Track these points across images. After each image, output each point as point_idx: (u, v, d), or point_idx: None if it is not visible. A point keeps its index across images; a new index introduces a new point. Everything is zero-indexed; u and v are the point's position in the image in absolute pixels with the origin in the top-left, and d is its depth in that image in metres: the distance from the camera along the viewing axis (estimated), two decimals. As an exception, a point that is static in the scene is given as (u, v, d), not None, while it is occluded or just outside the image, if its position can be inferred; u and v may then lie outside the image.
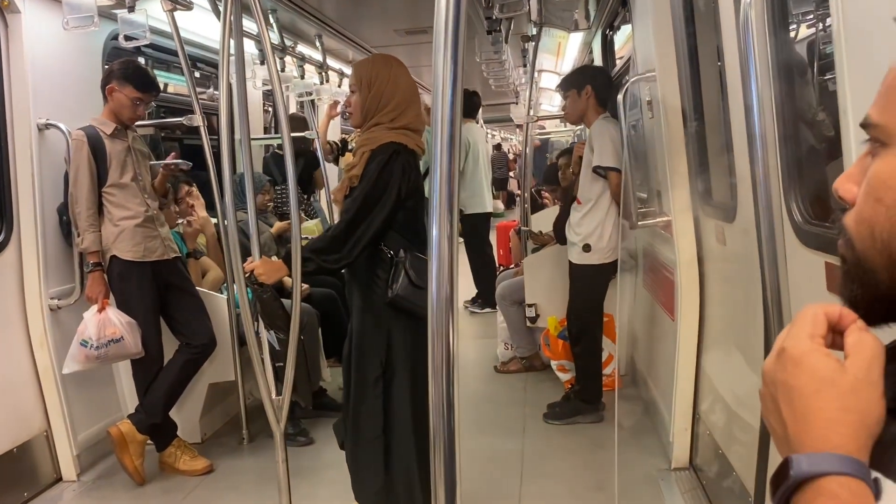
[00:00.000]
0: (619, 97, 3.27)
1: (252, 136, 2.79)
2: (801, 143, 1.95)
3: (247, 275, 2.40)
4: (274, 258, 2.58)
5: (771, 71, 1.34)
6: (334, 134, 6.51)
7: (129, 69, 3.39)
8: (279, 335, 2.47)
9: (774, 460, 2.04)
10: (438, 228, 0.98)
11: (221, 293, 3.94)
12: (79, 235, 3.34)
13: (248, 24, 3.05)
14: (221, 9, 2.39)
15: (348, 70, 6.65)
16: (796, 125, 1.94)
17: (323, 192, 6.00)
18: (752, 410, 2.41)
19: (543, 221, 5.85)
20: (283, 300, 2.75)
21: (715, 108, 2.97)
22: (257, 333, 2.43)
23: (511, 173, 15.54)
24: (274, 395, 2.39)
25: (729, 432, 2.73)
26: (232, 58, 2.52)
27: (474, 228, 6.77)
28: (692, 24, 3.02)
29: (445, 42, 0.98)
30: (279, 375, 2.44)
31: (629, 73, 4.79)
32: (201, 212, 4.17)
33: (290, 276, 2.43)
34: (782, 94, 1.82)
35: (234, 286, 3.73)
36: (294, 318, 2.37)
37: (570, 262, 3.83)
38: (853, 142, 1.45)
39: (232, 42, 2.49)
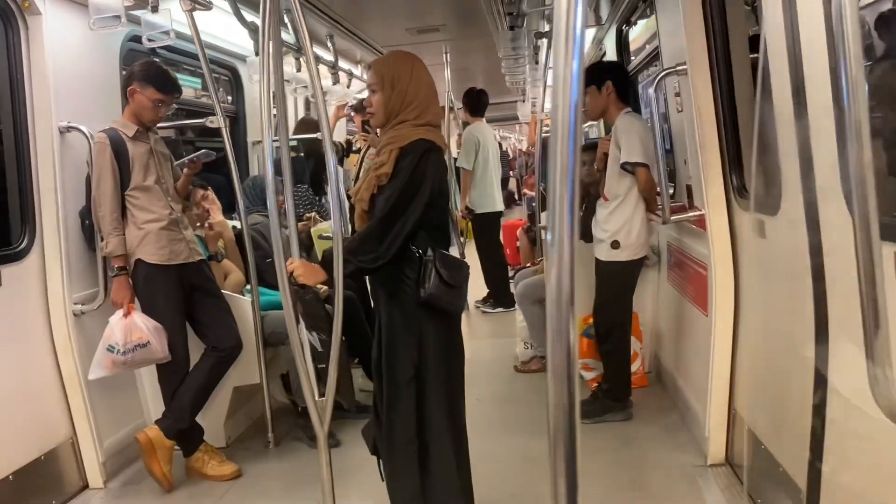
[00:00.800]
0: (651, 90, 3.24)
1: (274, 138, 2.75)
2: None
3: (287, 276, 2.36)
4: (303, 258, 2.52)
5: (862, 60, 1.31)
6: (339, 135, 6.48)
7: (151, 71, 3.35)
8: (321, 336, 2.43)
9: (828, 455, 2.01)
10: (559, 227, 0.95)
11: (244, 295, 3.90)
12: (102, 239, 3.30)
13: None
14: (260, 15, 2.34)
15: (357, 71, 6.63)
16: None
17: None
18: (799, 406, 2.38)
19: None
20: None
21: (748, 99, 2.95)
22: (299, 334, 2.39)
23: (511, 172, 15.42)
24: (317, 397, 2.35)
25: (775, 427, 2.69)
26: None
27: (484, 228, 6.74)
28: (723, 12, 3.00)
29: (567, 43, 0.94)
30: (321, 377, 2.40)
31: (648, 67, 4.79)
32: (217, 216, 4.13)
33: (329, 278, 2.38)
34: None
35: (258, 289, 3.72)
36: (336, 320, 2.33)
37: (597, 260, 3.80)
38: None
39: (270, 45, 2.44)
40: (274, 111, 2.49)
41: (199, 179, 4.08)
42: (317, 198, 5.57)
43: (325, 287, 4.00)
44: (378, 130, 2.71)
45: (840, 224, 2.01)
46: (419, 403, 2.51)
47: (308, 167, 5.46)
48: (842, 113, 1.31)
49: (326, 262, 2.43)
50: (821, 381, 2.19)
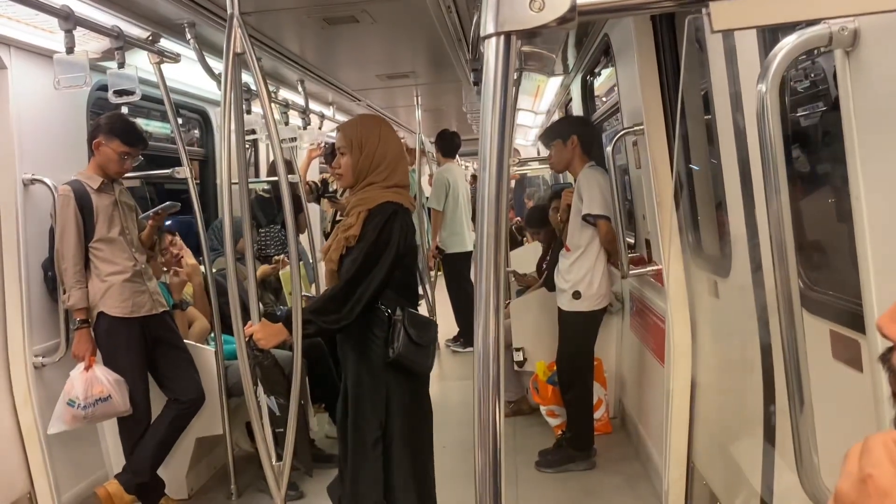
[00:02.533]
0: (608, 150, 3.32)
1: (236, 181, 2.82)
2: (803, 211, 2.00)
3: (246, 339, 2.38)
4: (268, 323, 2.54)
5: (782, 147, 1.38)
6: (313, 175, 6.53)
7: (117, 123, 3.36)
8: (279, 400, 2.44)
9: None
10: (486, 280, 0.99)
11: (208, 344, 3.89)
12: (65, 292, 3.29)
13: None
14: (223, 65, 2.40)
15: (328, 112, 6.68)
16: (797, 193, 1.99)
17: (305, 235, 5.97)
18: (750, 464, 2.43)
19: (523, 258, 5.90)
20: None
21: (704, 160, 3.03)
22: (257, 398, 2.40)
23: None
24: (274, 462, 2.36)
25: (727, 485, 2.74)
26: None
27: (454, 267, 6.79)
28: (677, 75, 3.08)
29: (494, 96, 1.00)
30: (279, 440, 2.41)
31: (610, 118, 4.89)
32: (190, 260, 4.13)
33: (289, 338, 2.41)
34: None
35: (222, 337, 3.72)
36: (294, 383, 2.34)
37: (559, 309, 3.85)
38: (865, 215, 1.47)
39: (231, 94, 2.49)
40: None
41: (166, 226, 4.08)
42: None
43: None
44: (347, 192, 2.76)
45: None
46: (386, 464, 2.53)
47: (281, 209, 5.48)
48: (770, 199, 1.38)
49: (287, 321, 2.45)
50: (769, 449, 2.24)
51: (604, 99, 5.31)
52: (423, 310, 6.49)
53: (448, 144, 6.75)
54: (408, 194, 2.65)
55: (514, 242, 7.21)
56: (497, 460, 1.10)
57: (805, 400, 1.43)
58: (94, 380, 3.22)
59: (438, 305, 6.94)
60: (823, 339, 1.78)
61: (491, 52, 0.99)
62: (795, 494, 2.07)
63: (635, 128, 3.24)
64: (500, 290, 1.04)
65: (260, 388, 2.45)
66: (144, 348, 3.39)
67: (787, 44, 1.31)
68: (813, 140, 2.10)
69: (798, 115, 2.10)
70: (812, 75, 2.06)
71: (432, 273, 6.97)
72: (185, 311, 3.99)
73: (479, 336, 1.07)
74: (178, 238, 4.19)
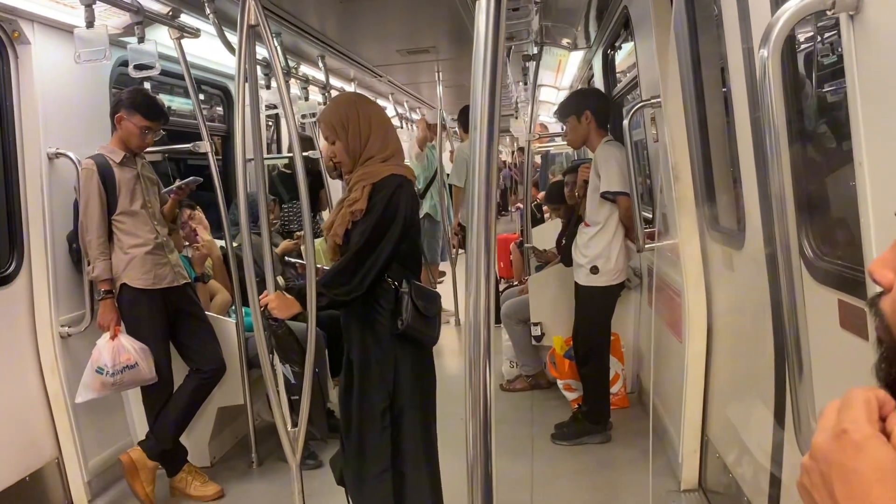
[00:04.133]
0: (625, 123, 3.30)
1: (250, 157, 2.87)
2: (812, 180, 1.99)
3: (261, 309, 2.42)
4: (286, 294, 2.58)
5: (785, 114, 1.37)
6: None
7: (138, 98, 3.41)
8: (294, 368, 2.49)
9: (787, 486, 2.05)
10: (476, 247, 1.01)
11: (229, 316, 3.96)
12: (89, 264, 3.36)
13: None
14: (237, 37, 2.43)
15: (350, 88, 6.70)
16: (808, 162, 1.98)
17: (326, 212, 6.02)
18: (761, 436, 2.44)
19: (543, 235, 5.89)
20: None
21: (721, 133, 3.01)
22: (273, 366, 2.45)
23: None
24: (290, 428, 2.41)
25: (740, 457, 2.75)
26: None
27: (476, 244, 6.78)
28: (696, 48, 3.05)
29: (484, 67, 1.02)
30: (294, 408, 2.46)
31: (631, 91, 4.85)
32: (205, 235, 4.19)
33: (304, 311, 2.45)
34: (793, 130, 1.85)
35: (243, 310, 3.78)
36: (309, 353, 2.39)
37: (576, 284, 3.86)
38: (868, 181, 1.46)
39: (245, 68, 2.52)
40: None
41: (187, 199, 4.14)
42: (312, 214, 5.63)
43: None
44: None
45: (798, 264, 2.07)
46: (395, 433, 2.57)
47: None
48: (771, 172, 1.38)
49: (302, 295, 2.49)
50: (780, 420, 2.24)
51: (627, 74, 5.27)
52: (446, 286, 6.55)
53: (468, 120, 6.73)
54: (408, 167, 2.67)
55: (535, 220, 7.19)
56: (488, 426, 1.13)
57: (804, 365, 1.43)
58: (120, 348, 3.29)
59: (460, 281, 6.96)
60: (831, 308, 1.78)
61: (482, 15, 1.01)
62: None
63: (652, 100, 3.22)
64: (490, 252, 1.06)
65: (276, 357, 2.49)
66: (167, 319, 3.47)
67: (790, 7, 1.30)
68: (828, 109, 2.09)
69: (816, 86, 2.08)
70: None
71: (454, 250, 6.98)
72: (206, 284, 4.05)
73: (471, 304, 1.10)
74: (198, 212, 4.25)
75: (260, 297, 2.43)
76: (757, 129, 2.25)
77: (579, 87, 5.68)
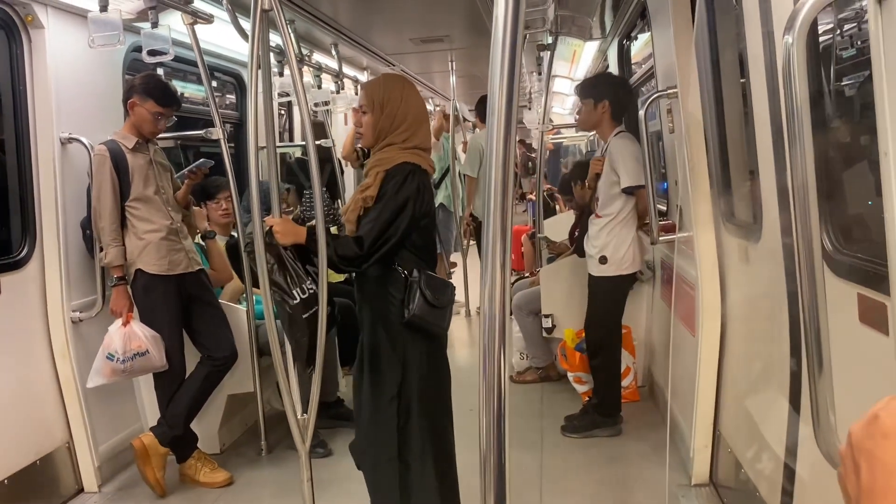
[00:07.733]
0: (641, 113, 3.26)
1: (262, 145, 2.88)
2: (832, 173, 1.95)
3: (265, 230, 2.43)
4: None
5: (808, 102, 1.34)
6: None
7: (151, 84, 3.41)
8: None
9: (802, 482, 2.02)
10: (492, 235, 1.00)
11: (240, 304, 3.96)
12: (102, 250, 3.36)
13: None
14: (250, 24, 2.41)
15: (363, 77, 6.67)
16: (827, 153, 1.94)
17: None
18: (774, 431, 2.41)
19: (556, 227, 5.86)
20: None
21: (738, 124, 2.97)
22: (283, 354, 2.44)
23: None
24: (299, 416, 2.40)
25: (753, 452, 2.72)
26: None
27: (487, 234, 6.75)
28: (715, 38, 3.01)
29: (503, 55, 0.99)
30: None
31: (646, 83, 4.80)
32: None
33: (304, 243, 2.48)
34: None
35: (254, 298, 3.78)
36: (320, 339, 2.37)
37: (589, 275, 3.84)
38: (893, 172, 1.43)
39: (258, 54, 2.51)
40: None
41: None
42: (330, 202, 5.61)
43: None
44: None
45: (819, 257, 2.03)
46: (401, 423, 2.56)
47: (325, 172, 5.51)
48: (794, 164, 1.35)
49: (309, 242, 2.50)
50: (794, 414, 2.21)
51: (642, 66, 5.21)
52: (457, 277, 6.53)
53: (484, 109, 6.69)
54: (428, 157, 2.64)
55: (548, 211, 7.16)
56: (502, 417, 1.11)
57: (824, 360, 1.41)
58: (131, 335, 3.30)
59: (471, 272, 6.94)
60: (851, 302, 1.75)
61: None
62: (820, 465, 2.06)
63: (669, 91, 3.18)
64: (506, 241, 1.04)
65: (287, 348, 2.48)
66: (181, 305, 3.47)
67: (816, -8, 1.27)
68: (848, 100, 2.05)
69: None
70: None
71: (465, 241, 6.96)
72: (214, 240, 4.00)
73: (486, 293, 1.08)
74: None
75: (265, 219, 2.43)
76: (776, 120, 2.21)
77: (607, 72, 5.59)
